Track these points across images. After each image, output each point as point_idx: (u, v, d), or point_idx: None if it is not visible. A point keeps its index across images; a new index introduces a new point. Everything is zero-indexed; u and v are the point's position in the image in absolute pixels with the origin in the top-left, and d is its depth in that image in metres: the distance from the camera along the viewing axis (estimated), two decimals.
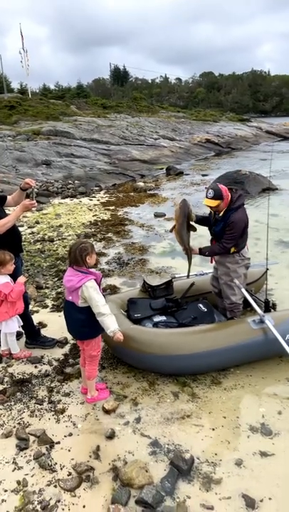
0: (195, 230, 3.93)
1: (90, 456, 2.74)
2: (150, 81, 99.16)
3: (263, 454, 2.76)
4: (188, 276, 4.31)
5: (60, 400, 3.30)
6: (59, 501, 2.42)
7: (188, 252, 3.99)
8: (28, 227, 8.76)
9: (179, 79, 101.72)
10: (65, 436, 2.92)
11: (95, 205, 11.24)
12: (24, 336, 4.17)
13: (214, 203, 3.71)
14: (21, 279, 3.75)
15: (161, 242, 7.72)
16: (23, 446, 2.81)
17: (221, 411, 3.18)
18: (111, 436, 2.90)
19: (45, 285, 5.65)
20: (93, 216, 9.82)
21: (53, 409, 3.20)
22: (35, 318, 4.44)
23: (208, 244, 4.10)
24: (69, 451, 2.79)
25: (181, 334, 3.61)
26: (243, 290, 3.92)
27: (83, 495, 2.46)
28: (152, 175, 17.32)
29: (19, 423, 3.05)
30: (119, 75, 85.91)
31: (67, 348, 4.08)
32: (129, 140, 21.76)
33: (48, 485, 2.53)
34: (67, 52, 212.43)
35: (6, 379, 3.59)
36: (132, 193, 12.96)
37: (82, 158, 17.30)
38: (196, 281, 4.44)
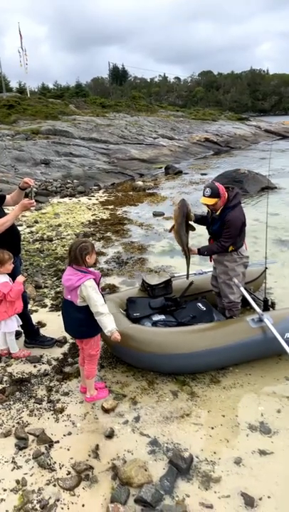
0: (194, 229, 3.93)
1: (89, 455, 2.74)
2: (149, 80, 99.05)
3: (262, 453, 2.77)
4: (187, 277, 4.31)
5: (59, 399, 3.31)
6: (58, 500, 2.42)
7: (187, 253, 3.99)
8: (27, 227, 8.75)
9: (177, 78, 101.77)
10: (64, 435, 2.93)
11: (93, 204, 11.23)
12: (23, 335, 4.17)
13: (211, 201, 3.71)
14: (20, 278, 3.75)
15: (160, 241, 7.72)
16: (22, 445, 2.81)
17: (220, 410, 3.19)
18: (110, 435, 2.90)
19: (44, 284, 5.65)
20: (92, 215, 9.82)
21: (52, 408, 3.20)
22: (34, 318, 4.45)
23: (207, 243, 4.10)
24: (68, 450, 2.79)
25: (180, 333, 3.62)
26: (242, 289, 3.92)
27: (82, 494, 2.46)
28: (151, 174, 17.30)
29: (18, 422, 3.05)
30: (118, 74, 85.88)
31: (66, 348, 4.08)
32: (128, 139, 21.73)
33: (47, 484, 2.53)
34: (66, 52, 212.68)
35: (5, 378, 3.59)
36: (130, 192, 12.95)
37: (81, 157, 17.28)
38: (195, 280, 4.45)
